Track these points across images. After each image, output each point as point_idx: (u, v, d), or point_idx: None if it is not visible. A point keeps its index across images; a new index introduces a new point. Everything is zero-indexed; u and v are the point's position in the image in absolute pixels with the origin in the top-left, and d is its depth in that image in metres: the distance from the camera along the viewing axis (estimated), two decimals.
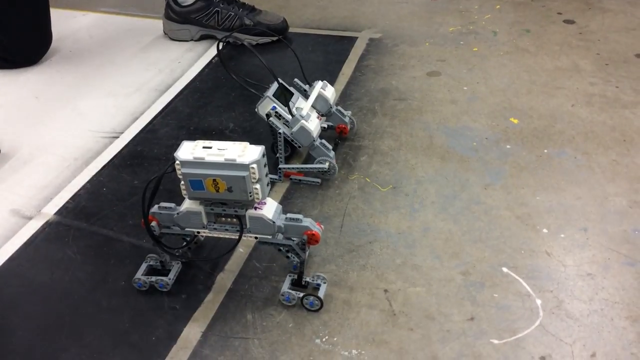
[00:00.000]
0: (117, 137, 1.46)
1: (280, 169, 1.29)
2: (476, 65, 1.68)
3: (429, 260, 1.10)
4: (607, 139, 1.36)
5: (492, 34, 1.84)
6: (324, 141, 1.27)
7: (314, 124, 1.25)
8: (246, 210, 0.96)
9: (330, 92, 1.34)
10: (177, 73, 1.72)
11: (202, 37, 1.88)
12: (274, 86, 1.25)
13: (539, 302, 1.00)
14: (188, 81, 1.68)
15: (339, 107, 1.37)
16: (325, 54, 1.78)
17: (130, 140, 1.44)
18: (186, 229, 1.01)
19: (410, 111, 1.31)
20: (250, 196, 0.92)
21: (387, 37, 1.85)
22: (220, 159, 0.89)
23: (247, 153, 0.90)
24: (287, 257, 1.02)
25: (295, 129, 1.23)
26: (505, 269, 1.07)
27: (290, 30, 1.88)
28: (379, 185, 1.28)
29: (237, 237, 0.98)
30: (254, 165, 0.89)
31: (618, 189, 1.22)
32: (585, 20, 1.88)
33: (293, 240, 0.99)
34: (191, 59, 1.79)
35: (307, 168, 1.29)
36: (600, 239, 1.11)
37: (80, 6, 2.16)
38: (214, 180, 0.90)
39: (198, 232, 1.01)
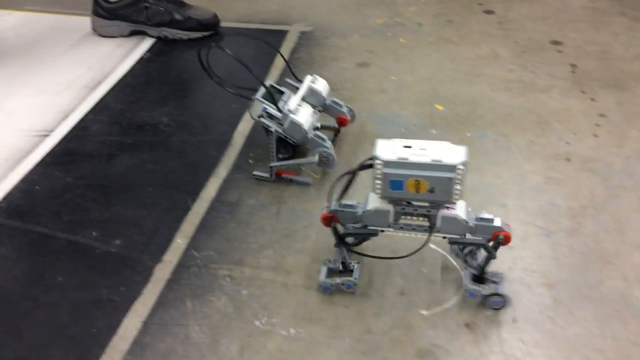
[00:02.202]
0: (48, 135, 1.44)
1: (271, 167, 1.29)
2: (403, 56, 1.75)
3: None
4: (525, 121, 1.46)
5: (418, 26, 1.91)
6: (318, 132, 1.27)
7: (304, 117, 1.25)
8: (438, 209, 0.94)
9: (321, 85, 1.34)
10: (108, 69, 1.71)
11: (132, 33, 1.87)
12: (262, 89, 1.26)
13: (463, 273, 1.07)
14: (119, 77, 1.67)
15: (334, 99, 1.37)
16: (257, 47, 1.80)
17: (62, 138, 1.43)
18: (369, 227, 0.99)
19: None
20: (452, 197, 0.90)
21: (318, 30, 1.90)
22: (427, 160, 0.87)
23: (452, 153, 0.88)
24: (465, 260, 1.03)
25: (286, 125, 1.24)
26: (433, 245, 1.13)
27: (222, 24, 1.89)
28: (313, 173, 1.32)
29: (422, 236, 0.96)
30: (462, 167, 0.87)
31: (534, 167, 1.31)
32: (504, 10, 1.99)
33: (483, 240, 0.96)
34: (121, 55, 1.78)
35: (297, 163, 1.29)
36: (519, 213, 1.19)
37: (5, 5, 2.10)
38: (417, 180, 0.88)
39: (382, 231, 1.00)
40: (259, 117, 1.25)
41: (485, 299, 1.00)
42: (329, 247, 1.13)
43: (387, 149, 0.89)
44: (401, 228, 0.98)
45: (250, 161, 1.35)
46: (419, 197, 0.91)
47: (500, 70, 1.66)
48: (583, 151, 1.35)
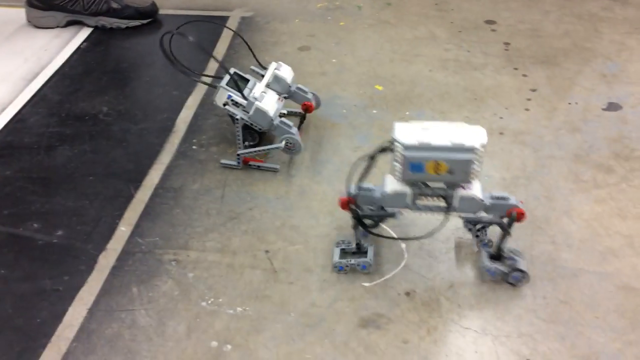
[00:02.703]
0: None
1: (239, 155, 1.29)
2: (343, 39, 1.78)
3: (306, 220, 1.17)
4: (460, 98, 1.51)
5: (357, 9, 1.94)
6: (284, 119, 1.28)
7: (269, 104, 1.25)
8: (455, 189, 0.95)
9: (286, 72, 1.35)
10: (45, 61, 1.67)
11: (69, 23, 1.83)
12: (226, 77, 1.26)
13: (403, 246, 1.11)
14: (57, 68, 1.64)
15: (299, 85, 1.38)
16: (198, 34, 1.80)
17: None
18: (387, 209, 1.00)
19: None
20: (470, 177, 0.91)
21: (259, 15, 1.90)
22: (447, 143, 0.88)
23: (471, 134, 0.89)
24: (477, 235, 1.06)
25: (251, 112, 1.24)
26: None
27: (161, 12, 1.88)
28: (257, 156, 1.33)
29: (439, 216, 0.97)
30: (481, 148, 0.88)
31: None
32: None
33: (501, 218, 0.98)
34: (59, 46, 1.74)
35: (264, 150, 1.29)
36: None
37: None
38: (437, 163, 0.89)
39: (401, 213, 1.00)
40: (224, 104, 1.25)
41: (505, 275, 1.02)
42: (274, 228, 1.15)
43: (406, 133, 0.90)
44: (419, 209, 0.99)
45: (194, 147, 1.36)
46: (438, 179, 0.93)
47: (437, 50, 1.71)
48: (515, 125, 1.40)
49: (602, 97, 1.48)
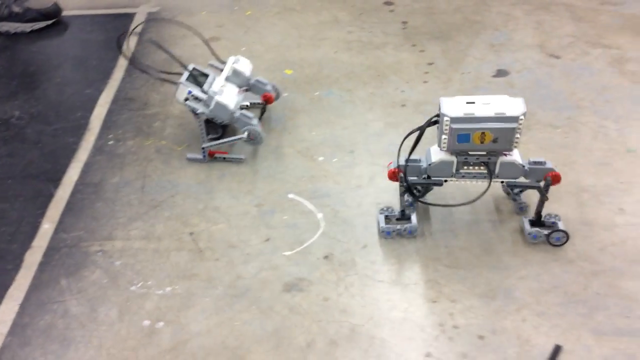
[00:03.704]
0: None
1: (204, 148, 1.32)
2: (251, 27, 1.83)
3: (227, 201, 1.23)
4: (365, 76, 1.60)
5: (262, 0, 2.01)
6: (244, 111, 1.31)
7: (229, 97, 1.29)
8: (497, 157, 1.02)
9: (244, 65, 1.38)
10: None
11: None
12: (185, 73, 1.29)
13: (320, 215, 1.19)
14: None
15: (259, 78, 1.41)
16: (105, 32, 1.81)
17: None
18: (432, 178, 1.07)
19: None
20: (513, 145, 0.99)
21: (165, 10, 1.93)
22: (491, 113, 0.96)
23: (512, 105, 0.97)
24: (515, 199, 1.15)
25: (212, 106, 1.27)
26: (291, 195, 1.24)
27: (65, 13, 1.87)
28: (175, 145, 1.38)
29: (484, 183, 1.04)
30: (522, 117, 0.95)
31: (375, 115, 1.46)
32: None
33: (538, 182, 1.06)
34: None
35: (228, 141, 1.32)
36: (365, 157, 1.33)
37: None
38: (483, 132, 0.96)
39: (446, 181, 1.07)
40: (185, 100, 1.28)
41: (547, 237, 1.09)
42: (197, 211, 1.21)
43: (452, 106, 0.98)
44: (463, 177, 1.07)
45: (110, 142, 1.39)
46: (483, 148, 1.01)
47: (341, 33, 1.80)
48: (415, 96, 1.51)
49: (491, 65, 1.62)
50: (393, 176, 1.09)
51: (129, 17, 1.88)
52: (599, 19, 1.78)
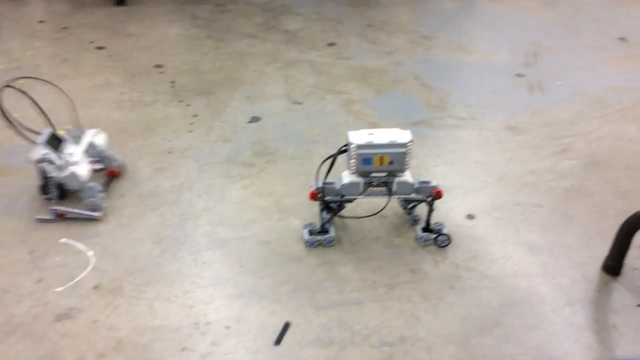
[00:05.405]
0: None
1: (54, 210, 1.37)
2: (21, 97, 1.92)
3: None
4: (135, 130, 1.78)
5: (35, 67, 2.10)
6: (93, 184, 1.40)
7: (84, 169, 1.39)
8: (394, 178, 1.26)
9: (101, 139, 1.49)
10: None
11: None
12: (46, 133, 1.34)
13: (90, 253, 1.33)
14: None
15: (111, 153, 1.52)
16: None
17: None
18: (345, 197, 1.28)
19: None
20: (405, 165, 1.23)
21: None
22: (386, 141, 1.20)
23: (402, 135, 1.22)
24: (409, 212, 1.38)
25: (66, 173, 1.34)
26: (64, 240, 1.36)
27: None
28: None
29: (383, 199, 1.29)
30: (410, 143, 1.20)
31: (145, 162, 1.64)
32: (114, 44, 2.31)
33: (426, 197, 1.31)
34: None
35: (80, 214, 1.40)
36: (134, 199, 1.50)
37: None
38: (381, 156, 1.21)
39: (355, 199, 1.28)
40: (40, 161, 1.34)
41: (435, 240, 1.35)
42: None
43: (357, 137, 1.24)
44: (368, 195, 1.32)
45: None
46: (383, 169, 1.27)
47: (113, 94, 1.97)
48: (181, 144, 1.73)
49: (247, 113, 1.90)
50: (313, 196, 1.33)
51: None
52: (334, 71, 2.17)
